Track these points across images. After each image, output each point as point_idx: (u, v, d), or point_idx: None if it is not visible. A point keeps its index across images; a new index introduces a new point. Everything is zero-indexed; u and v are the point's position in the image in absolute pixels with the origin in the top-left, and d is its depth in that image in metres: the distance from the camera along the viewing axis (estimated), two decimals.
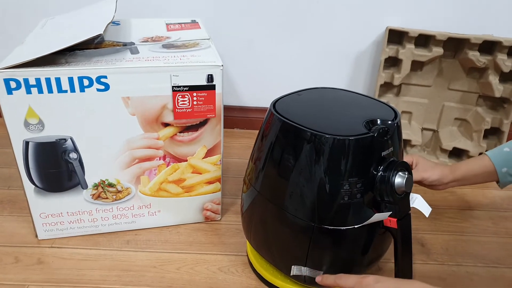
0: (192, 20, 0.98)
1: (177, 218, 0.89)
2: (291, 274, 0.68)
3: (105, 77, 0.71)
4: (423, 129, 1.18)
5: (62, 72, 0.69)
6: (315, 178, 0.59)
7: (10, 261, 0.79)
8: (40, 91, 0.69)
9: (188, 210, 0.88)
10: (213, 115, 0.78)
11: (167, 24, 0.95)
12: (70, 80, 0.70)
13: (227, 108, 1.26)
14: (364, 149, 0.58)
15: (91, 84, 0.71)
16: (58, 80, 0.69)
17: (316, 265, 0.66)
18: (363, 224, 0.61)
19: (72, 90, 0.71)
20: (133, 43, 0.82)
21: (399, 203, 0.61)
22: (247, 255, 0.82)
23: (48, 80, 0.69)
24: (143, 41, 0.83)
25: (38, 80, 0.69)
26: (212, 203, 0.89)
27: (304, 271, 0.66)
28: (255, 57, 1.21)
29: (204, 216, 0.90)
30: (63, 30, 0.83)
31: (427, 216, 0.66)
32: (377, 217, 0.61)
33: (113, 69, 0.71)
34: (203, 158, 0.83)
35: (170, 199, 0.85)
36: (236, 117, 1.27)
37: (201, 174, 0.84)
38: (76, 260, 0.80)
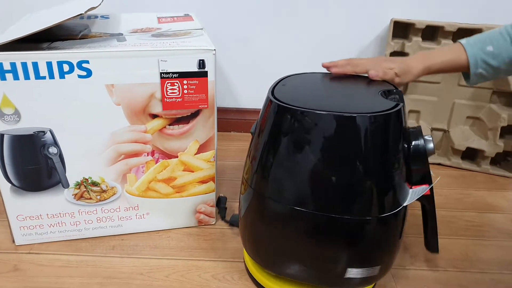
0: (185, 14, 0.94)
1: (167, 221, 0.81)
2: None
3: (87, 62, 0.65)
4: (433, 129, 1.12)
5: (40, 56, 0.63)
6: (362, 165, 0.54)
7: None
8: (16, 77, 0.64)
9: (179, 213, 0.81)
10: (206, 106, 0.72)
11: (158, 18, 0.90)
12: (49, 65, 0.64)
13: (223, 110, 1.21)
14: (397, 121, 0.55)
15: (71, 69, 0.65)
16: (35, 65, 0.64)
17: (368, 262, 0.60)
18: (411, 201, 0.58)
19: (51, 76, 0.65)
20: (121, 34, 0.77)
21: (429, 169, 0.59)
22: (244, 262, 0.74)
23: (24, 65, 0.63)
24: (132, 32, 0.78)
25: (13, 65, 0.63)
26: (206, 205, 0.82)
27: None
28: (251, 55, 1.16)
29: (197, 219, 0.83)
30: (44, 18, 0.78)
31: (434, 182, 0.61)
32: (423, 189, 0.58)
33: (96, 53, 0.65)
34: (195, 154, 0.76)
35: (159, 200, 0.78)
36: (232, 120, 1.21)
37: (193, 172, 0.78)
38: (55, 267, 0.73)
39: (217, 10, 1.12)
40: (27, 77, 0.64)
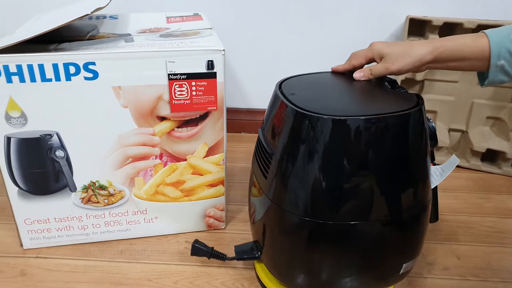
0: (194, 13, 0.92)
1: (176, 225, 0.80)
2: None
3: (93, 63, 0.64)
4: (450, 130, 1.08)
5: (46, 58, 0.62)
6: (409, 164, 0.53)
7: None
8: (22, 79, 0.63)
9: (188, 217, 0.79)
10: (215, 108, 0.70)
11: (167, 17, 0.88)
12: (55, 67, 0.63)
13: (233, 111, 1.19)
14: (423, 113, 0.54)
15: (78, 71, 0.64)
16: (41, 67, 0.63)
17: (417, 252, 0.60)
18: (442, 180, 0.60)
19: (57, 78, 0.64)
20: (130, 34, 0.75)
21: None
22: (255, 269, 0.72)
23: (30, 67, 0.62)
24: (140, 32, 0.76)
25: (19, 67, 0.62)
26: (215, 209, 0.80)
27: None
28: (261, 55, 1.14)
29: (207, 223, 0.81)
30: (52, 19, 0.77)
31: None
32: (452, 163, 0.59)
33: (102, 54, 0.64)
34: (204, 157, 0.74)
35: (168, 204, 0.77)
36: (243, 120, 1.19)
37: (202, 175, 0.76)
38: (62, 272, 0.72)
39: (226, 9, 1.10)
40: (33, 79, 0.63)
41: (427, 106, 1.05)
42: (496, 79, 0.57)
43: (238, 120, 1.18)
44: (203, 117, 0.71)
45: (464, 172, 1.06)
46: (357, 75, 0.62)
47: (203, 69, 0.67)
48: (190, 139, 0.72)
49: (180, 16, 0.89)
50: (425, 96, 1.05)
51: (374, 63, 0.62)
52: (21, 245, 0.76)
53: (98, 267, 0.73)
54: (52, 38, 0.70)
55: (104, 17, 0.90)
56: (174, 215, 0.78)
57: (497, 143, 1.03)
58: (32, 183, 0.71)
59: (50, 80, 0.63)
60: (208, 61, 0.66)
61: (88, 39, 0.72)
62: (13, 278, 0.70)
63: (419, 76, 1.01)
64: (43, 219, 0.74)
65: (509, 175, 1.04)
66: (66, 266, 0.73)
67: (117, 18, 0.88)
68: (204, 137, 0.73)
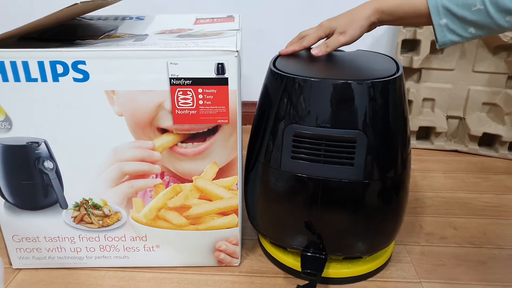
0: (228, 15, 0.80)
1: (181, 257, 0.68)
2: None
3: (83, 62, 0.54)
4: (448, 117, 1.09)
5: (30, 54, 0.54)
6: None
7: None
8: (5, 78, 0.55)
9: (195, 249, 0.67)
10: (226, 121, 0.57)
11: (197, 19, 0.78)
12: (41, 65, 0.54)
13: (248, 104, 1.06)
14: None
15: (66, 71, 0.55)
16: (25, 65, 0.54)
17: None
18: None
19: (44, 78, 0.55)
20: (147, 35, 0.66)
21: None
22: (258, 238, 0.74)
23: (13, 65, 0.54)
24: (159, 33, 0.66)
25: (1, 64, 0.54)
26: (228, 243, 0.66)
27: None
28: (269, 48, 1.00)
29: (217, 258, 0.68)
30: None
31: None
32: None
33: (93, 52, 0.54)
34: (213, 179, 0.62)
35: (171, 231, 0.65)
36: None
37: (211, 201, 0.63)
38: None
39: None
40: (17, 78, 0.55)
41: (426, 94, 1.07)
42: (446, 39, 0.57)
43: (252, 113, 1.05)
44: (213, 131, 0.58)
45: (463, 156, 1.08)
46: (314, 51, 0.65)
47: (212, 74, 0.55)
48: (197, 157, 0.60)
49: (210, 18, 0.78)
50: (423, 85, 1.07)
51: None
52: (10, 264, 0.68)
53: None
54: (67, 37, 0.62)
55: (130, 18, 0.81)
56: (178, 245, 0.66)
57: (493, 127, 1.05)
58: (20, 196, 0.62)
59: (35, 80, 0.55)
60: (218, 64, 0.54)
61: (101, 39, 0.63)
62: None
63: (416, 63, 1.03)
64: (32, 237, 0.65)
65: (507, 158, 1.06)
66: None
67: (143, 19, 0.79)
68: (213, 156, 0.60)
